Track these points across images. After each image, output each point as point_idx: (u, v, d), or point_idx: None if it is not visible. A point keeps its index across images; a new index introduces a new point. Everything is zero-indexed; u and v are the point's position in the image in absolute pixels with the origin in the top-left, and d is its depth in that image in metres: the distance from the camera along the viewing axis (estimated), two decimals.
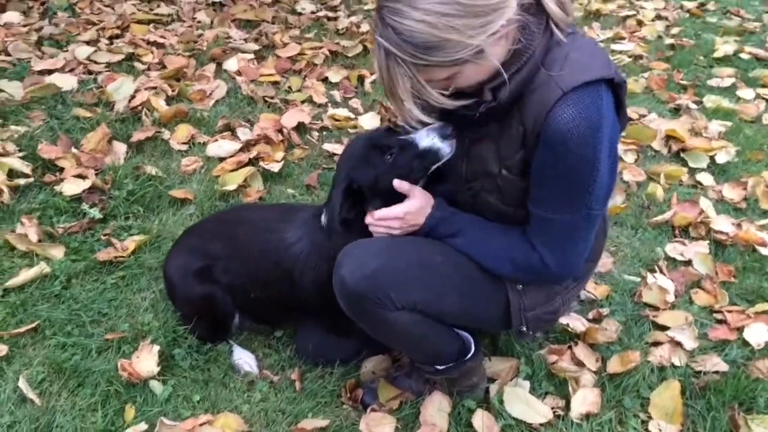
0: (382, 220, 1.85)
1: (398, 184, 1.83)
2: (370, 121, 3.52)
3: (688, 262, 2.79)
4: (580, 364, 2.28)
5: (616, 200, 3.17)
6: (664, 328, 2.45)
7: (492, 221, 1.83)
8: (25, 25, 4.00)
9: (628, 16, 5.44)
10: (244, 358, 2.24)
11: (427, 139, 1.83)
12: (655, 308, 2.56)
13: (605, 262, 2.77)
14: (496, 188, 1.76)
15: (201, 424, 1.99)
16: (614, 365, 2.27)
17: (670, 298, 2.60)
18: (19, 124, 3.17)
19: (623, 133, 1.79)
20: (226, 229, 2.20)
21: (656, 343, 2.38)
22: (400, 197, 1.87)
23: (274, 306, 2.19)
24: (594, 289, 2.62)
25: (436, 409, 2.07)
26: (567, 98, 1.52)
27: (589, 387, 2.20)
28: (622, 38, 5.04)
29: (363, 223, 1.88)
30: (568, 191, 1.63)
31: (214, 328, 2.25)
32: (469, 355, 2.02)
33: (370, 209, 1.87)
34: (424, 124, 1.70)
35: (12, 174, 2.84)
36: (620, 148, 3.49)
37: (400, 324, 1.80)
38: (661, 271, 2.75)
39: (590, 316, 2.49)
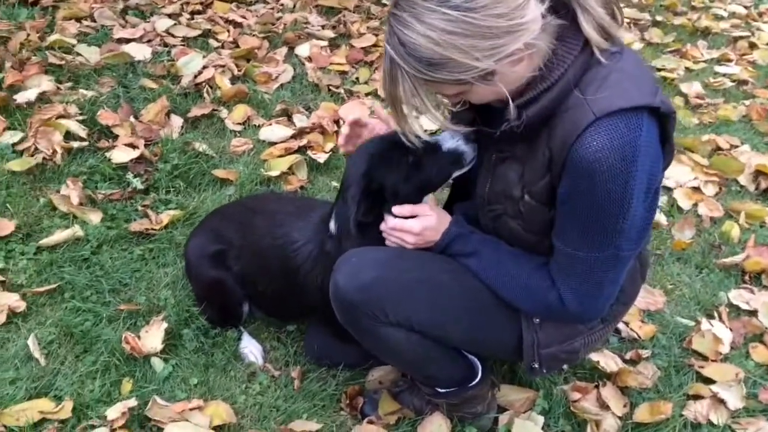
0: (397, 230, 1.73)
1: (398, 210, 1.72)
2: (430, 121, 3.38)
3: (753, 313, 2.52)
4: (605, 406, 2.10)
5: (684, 235, 2.91)
6: (709, 381, 2.22)
7: (513, 246, 1.68)
8: None
9: (740, 37, 5.02)
10: (251, 348, 2.19)
11: (451, 141, 1.73)
12: (704, 358, 2.32)
13: (657, 300, 2.54)
14: (519, 214, 1.60)
15: (191, 409, 1.96)
16: (642, 413, 2.08)
17: (724, 349, 2.35)
18: (88, 89, 3.25)
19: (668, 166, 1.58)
20: (245, 216, 2.15)
21: (696, 397, 2.16)
22: (418, 202, 1.76)
23: (280, 301, 2.13)
24: (639, 327, 2.41)
25: (434, 431, 1.95)
26: (599, 124, 1.35)
27: None
28: (729, 60, 4.66)
29: (378, 231, 1.78)
30: (593, 228, 1.46)
31: (223, 313, 2.21)
32: (474, 382, 1.88)
33: (387, 214, 1.76)
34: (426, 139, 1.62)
35: (68, 136, 2.90)
36: (701, 178, 3.22)
37: (394, 340, 1.69)
38: (720, 318, 2.49)
39: (628, 356, 2.29)
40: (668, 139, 1.46)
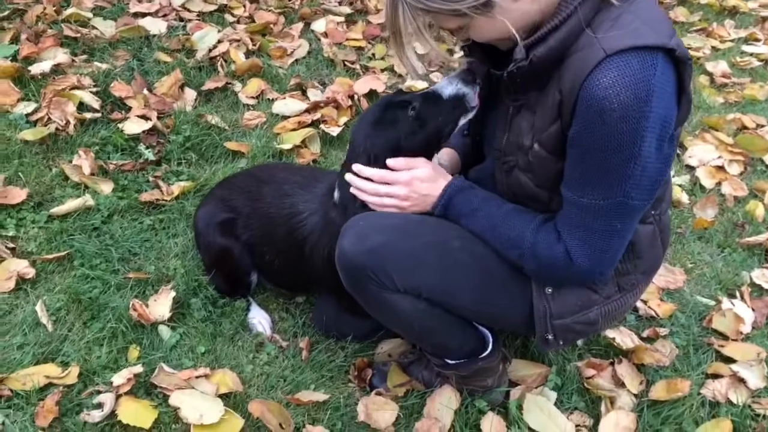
0: (384, 182, 1.66)
1: (392, 162, 1.66)
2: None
3: None
4: (620, 383, 2.05)
5: (707, 213, 2.83)
6: (729, 360, 2.15)
7: (523, 204, 1.62)
8: None
9: None
10: (259, 318, 2.17)
11: (450, 86, 1.68)
12: (724, 337, 2.25)
13: (677, 279, 2.47)
14: (528, 165, 1.54)
15: (197, 377, 1.94)
16: (659, 391, 2.02)
17: (746, 328, 2.28)
18: (102, 61, 3.23)
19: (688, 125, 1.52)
20: (254, 185, 2.12)
21: (715, 376, 2.10)
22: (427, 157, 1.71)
23: (288, 273, 2.10)
24: (657, 305, 2.35)
25: (443, 403, 1.91)
26: (609, 61, 1.30)
27: (625, 410, 1.96)
28: (757, 40, 4.53)
29: None
30: (602, 172, 1.39)
31: (231, 282, 2.19)
32: (484, 354, 1.83)
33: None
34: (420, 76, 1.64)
35: (82, 107, 2.89)
36: (725, 157, 3.14)
37: (401, 308, 1.64)
38: (742, 298, 2.42)
39: (645, 333, 2.23)
40: (684, 89, 1.39)
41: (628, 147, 1.34)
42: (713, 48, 4.24)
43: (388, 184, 1.66)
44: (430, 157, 1.74)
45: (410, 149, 1.69)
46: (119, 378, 1.89)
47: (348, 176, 1.70)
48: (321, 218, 1.90)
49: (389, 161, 1.66)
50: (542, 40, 1.38)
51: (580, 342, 2.16)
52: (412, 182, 1.65)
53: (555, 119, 1.44)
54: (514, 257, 1.60)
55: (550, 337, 1.69)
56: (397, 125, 1.69)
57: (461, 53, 1.66)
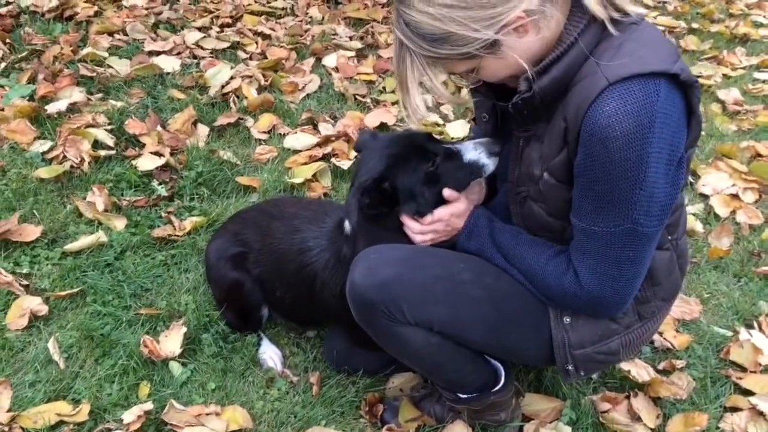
0: (431, 223, 1.71)
1: (449, 193, 1.71)
2: (458, 129, 3.34)
3: None
4: (636, 417, 2.01)
5: (722, 242, 2.80)
6: (748, 393, 2.11)
7: (537, 235, 1.63)
8: (146, 8, 4.17)
9: None
10: (269, 353, 2.16)
11: (473, 152, 1.72)
12: (743, 369, 2.21)
13: (693, 309, 2.44)
14: (540, 195, 1.56)
15: (207, 414, 1.93)
16: (676, 425, 1.99)
17: (764, 360, 2.24)
18: (117, 99, 3.29)
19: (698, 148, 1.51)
20: (264, 220, 2.13)
21: (734, 409, 2.05)
22: (433, 207, 1.73)
23: (299, 308, 2.10)
24: (674, 337, 2.31)
25: None
26: (612, 90, 1.32)
27: None
28: None
29: (388, 229, 1.74)
30: (608, 199, 1.40)
31: (242, 316, 2.19)
32: (497, 388, 1.81)
33: (402, 215, 1.73)
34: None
35: (97, 145, 2.94)
36: (739, 185, 3.11)
37: (413, 341, 1.64)
38: (760, 328, 2.38)
39: (661, 366, 2.19)
40: (693, 111, 1.41)
41: (633, 174, 1.35)
42: (724, 75, 4.24)
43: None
44: (438, 206, 1.74)
45: (422, 196, 1.71)
46: (130, 415, 1.89)
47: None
48: (332, 254, 1.91)
49: (446, 191, 1.71)
50: (545, 71, 1.41)
51: (595, 375, 2.13)
52: (450, 219, 1.71)
53: (562, 147, 1.45)
54: (529, 286, 1.61)
55: (570, 367, 1.67)
56: (417, 172, 1.70)
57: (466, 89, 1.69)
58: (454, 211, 1.72)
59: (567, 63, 1.39)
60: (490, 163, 1.72)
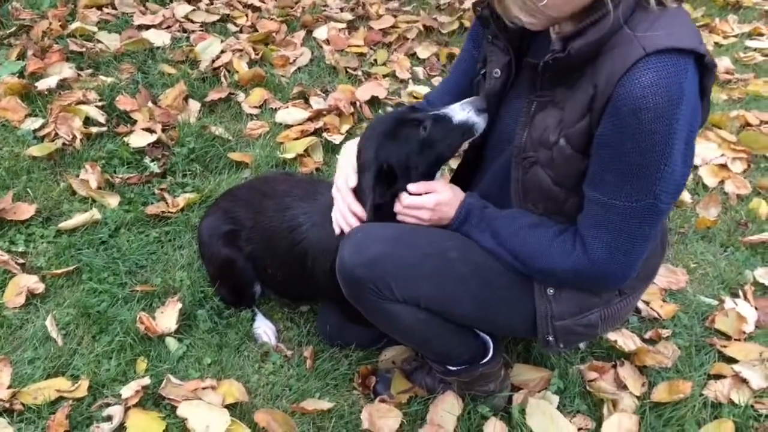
0: (412, 208, 1.72)
1: (414, 187, 1.71)
2: None
3: None
4: (622, 386, 2.06)
5: (710, 212, 2.83)
6: (731, 360, 2.16)
7: (538, 206, 1.63)
8: None
9: None
10: (264, 328, 2.20)
11: (462, 112, 1.71)
12: (727, 337, 2.26)
13: (679, 279, 2.48)
14: (550, 162, 1.54)
15: (204, 388, 1.97)
16: (661, 393, 2.03)
17: (749, 328, 2.28)
18: (107, 75, 3.28)
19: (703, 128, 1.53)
20: (256, 198, 2.14)
21: (717, 376, 2.10)
22: (432, 177, 1.75)
23: (290, 284, 2.13)
24: (660, 306, 2.36)
25: (445, 410, 1.93)
26: (648, 61, 1.32)
27: (628, 412, 1.97)
28: (761, 34, 4.51)
29: (390, 210, 1.76)
30: (634, 173, 1.40)
31: (236, 293, 2.22)
32: (485, 360, 1.86)
33: (400, 193, 1.74)
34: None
35: (88, 121, 2.94)
36: (728, 155, 3.13)
37: (401, 318, 1.67)
38: (745, 297, 2.42)
39: (647, 335, 2.24)
40: (705, 96, 1.42)
41: (660, 148, 1.35)
42: (716, 44, 4.24)
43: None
44: (432, 176, 1.76)
45: (416, 167, 1.72)
46: (128, 390, 1.93)
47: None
48: (322, 230, 1.93)
49: (410, 187, 1.71)
50: (581, 33, 1.39)
51: (582, 345, 2.18)
52: (436, 207, 1.70)
53: (585, 114, 1.44)
54: (533, 269, 1.62)
55: (551, 338, 1.71)
56: (409, 142, 1.71)
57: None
58: (440, 199, 1.70)
59: (605, 27, 1.37)
60: (480, 121, 1.71)
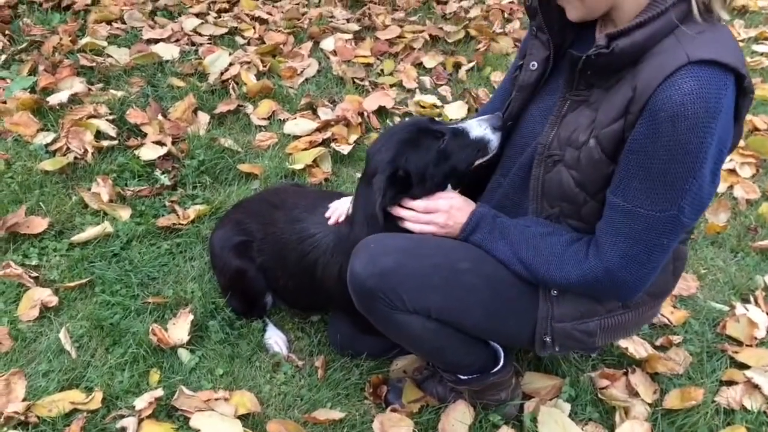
0: (426, 212, 1.74)
1: (423, 204, 1.76)
2: (456, 110, 3.37)
3: None
4: (634, 393, 2.06)
5: (719, 218, 2.83)
6: (743, 366, 2.15)
7: (554, 207, 1.63)
8: None
9: None
10: (275, 338, 2.21)
11: (478, 128, 1.75)
12: (739, 343, 2.26)
13: (690, 285, 2.48)
14: (576, 163, 1.53)
15: (216, 399, 1.98)
16: (673, 400, 2.03)
17: (760, 333, 2.28)
18: (118, 89, 3.32)
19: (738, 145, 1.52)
20: (267, 209, 2.16)
21: (729, 383, 2.10)
22: (443, 189, 1.77)
23: (301, 295, 2.14)
24: (671, 313, 2.36)
25: (457, 418, 1.93)
26: (691, 69, 1.31)
27: (640, 420, 1.97)
28: (767, 39, 4.52)
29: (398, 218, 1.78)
30: (662, 181, 1.39)
31: (247, 304, 2.23)
32: (496, 369, 1.86)
33: (395, 207, 1.77)
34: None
35: (99, 135, 2.97)
36: (736, 160, 3.14)
37: (411, 328, 1.68)
38: (756, 302, 2.42)
39: (658, 342, 2.24)
40: (739, 120, 1.42)
41: (692, 159, 1.35)
42: None
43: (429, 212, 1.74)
44: (444, 188, 1.79)
45: (432, 177, 1.74)
46: (141, 402, 1.94)
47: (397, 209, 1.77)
48: (332, 236, 1.95)
49: (416, 203, 1.75)
50: (627, 33, 1.39)
51: (593, 354, 2.18)
52: (451, 211, 1.72)
53: (620, 117, 1.43)
54: (546, 278, 1.61)
55: (547, 339, 1.71)
56: (429, 152, 1.73)
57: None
58: (453, 203, 1.73)
59: (651, 30, 1.37)
60: (494, 139, 1.74)
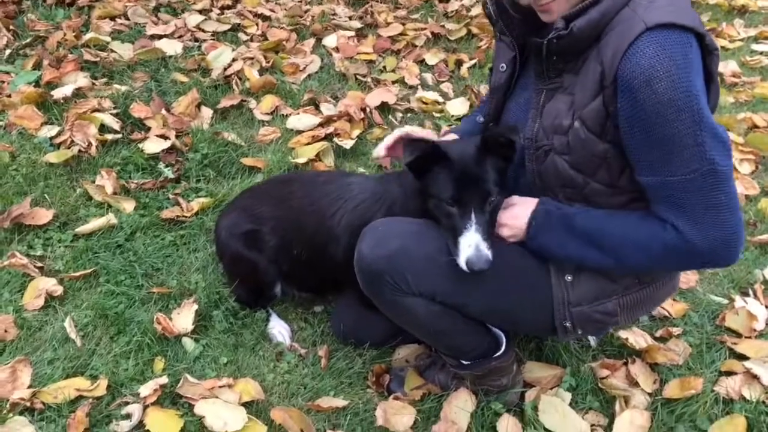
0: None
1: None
2: (458, 107, 3.39)
3: None
4: (634, 383, 2.07)
5: None
6: (742, 357, 2.17)
7: (557, 194, 1.63)
8: None
9: None
10: (278, 328, 2.23)
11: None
12: (737, 335, 2.27)
13: (689, 278, 2.50)
14: (566, 147, 1.55)
15: (221, 386, 2.00)
16: (672, 389, 2.04)
17: (759, 326, 2.30)
18: (121, 84, 3.34)
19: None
20: (282, 187, 2.18)
21: (728, 373, 2.11)
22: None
23: (313, 270, 2.13)
24: (671, 305, 2.37)
25: (459, 406, 1.95)
26: (650, 34, 1.35)
27: (639, 409, 1.98)
28: (767, 38, 4.54)
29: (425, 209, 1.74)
30: (672, 142, 1.39)
31: (254, 294, 2.25)
32: (498, 354, 1.88)
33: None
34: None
35: (103, 129, 2.99)
36: (736, 156, 3.15)
37: (416, 311, 1.70)
38: (755, 295, 2.44)
39: (658, 333, 2.25)
40: (713, 78, 1.44)
41: (687, 111, 1.36)
42: (723, 48, 4.26)
43: None
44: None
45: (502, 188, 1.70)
46: (146, 389, 1.96)
47: None
48: (352, 212, 1.94)
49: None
50: (582, 12, 1.43)
51: (593, 343, 2.20)
52: (510, 221, 1.70)
53: (597, 93, 1.46)
54: (626, 263, 1.59)
55: (568, 324, 1.72)
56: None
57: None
58: (511, 199, 1.71)
59: (605, 6, 1.41)
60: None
